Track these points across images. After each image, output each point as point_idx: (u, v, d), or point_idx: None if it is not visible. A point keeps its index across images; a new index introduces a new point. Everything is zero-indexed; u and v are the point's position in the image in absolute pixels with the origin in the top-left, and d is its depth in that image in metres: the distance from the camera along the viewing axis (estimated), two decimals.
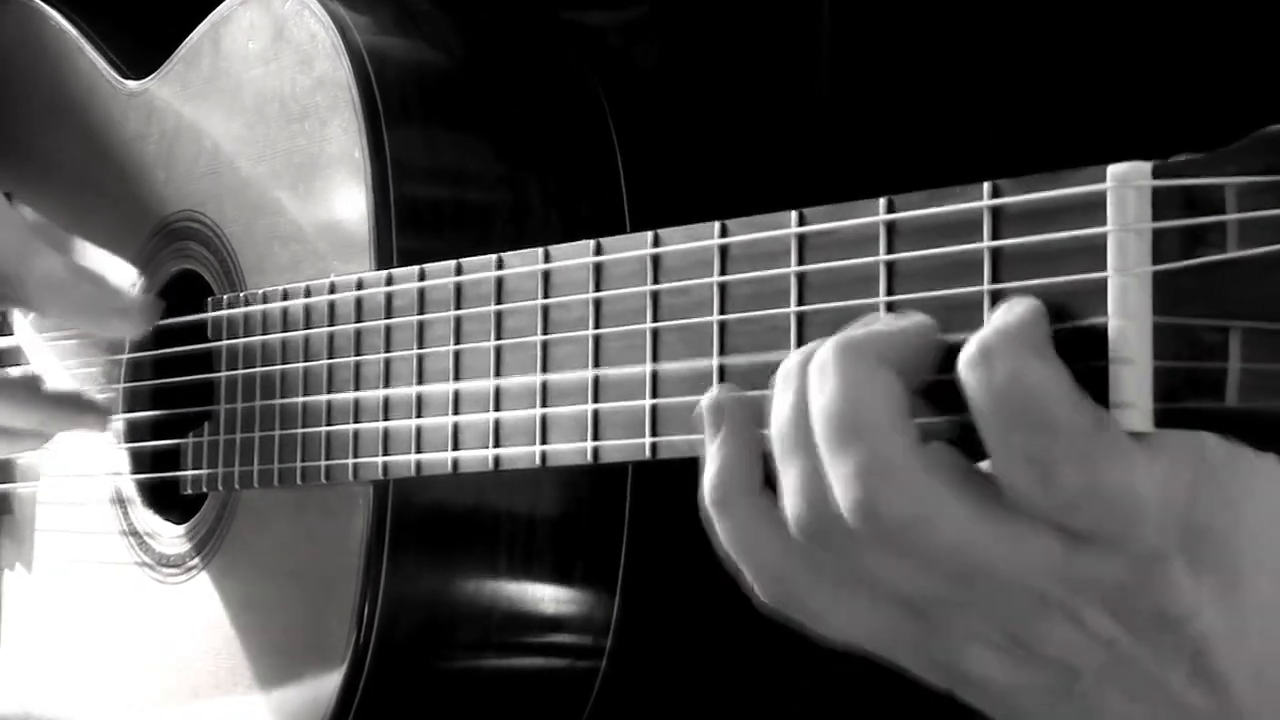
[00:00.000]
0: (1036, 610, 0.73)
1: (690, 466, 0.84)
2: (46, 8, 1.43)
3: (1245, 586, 0.73)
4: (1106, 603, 0.72)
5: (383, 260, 1.07)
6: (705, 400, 0.77)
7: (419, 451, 1.00)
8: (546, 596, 1.12)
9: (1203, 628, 0.73)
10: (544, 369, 0.92)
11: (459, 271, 0.98)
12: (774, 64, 1.09)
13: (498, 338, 0.95)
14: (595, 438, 0.89)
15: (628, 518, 1.13)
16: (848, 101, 1.06)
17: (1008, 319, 0.68)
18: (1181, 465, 0.70)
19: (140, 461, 1.29)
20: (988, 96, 1.01)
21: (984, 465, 0.73)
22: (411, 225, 1.08)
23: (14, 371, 1.39)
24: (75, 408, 1.30)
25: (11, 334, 1.42)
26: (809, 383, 0.72)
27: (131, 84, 1.33)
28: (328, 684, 1.10)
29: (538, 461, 0.92)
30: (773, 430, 0.74)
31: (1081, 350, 0.67)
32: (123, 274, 1.31)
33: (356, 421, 1.05)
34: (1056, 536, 0.71)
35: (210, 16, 1.24)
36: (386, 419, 1.02)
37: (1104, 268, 0.67)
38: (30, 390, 1.28)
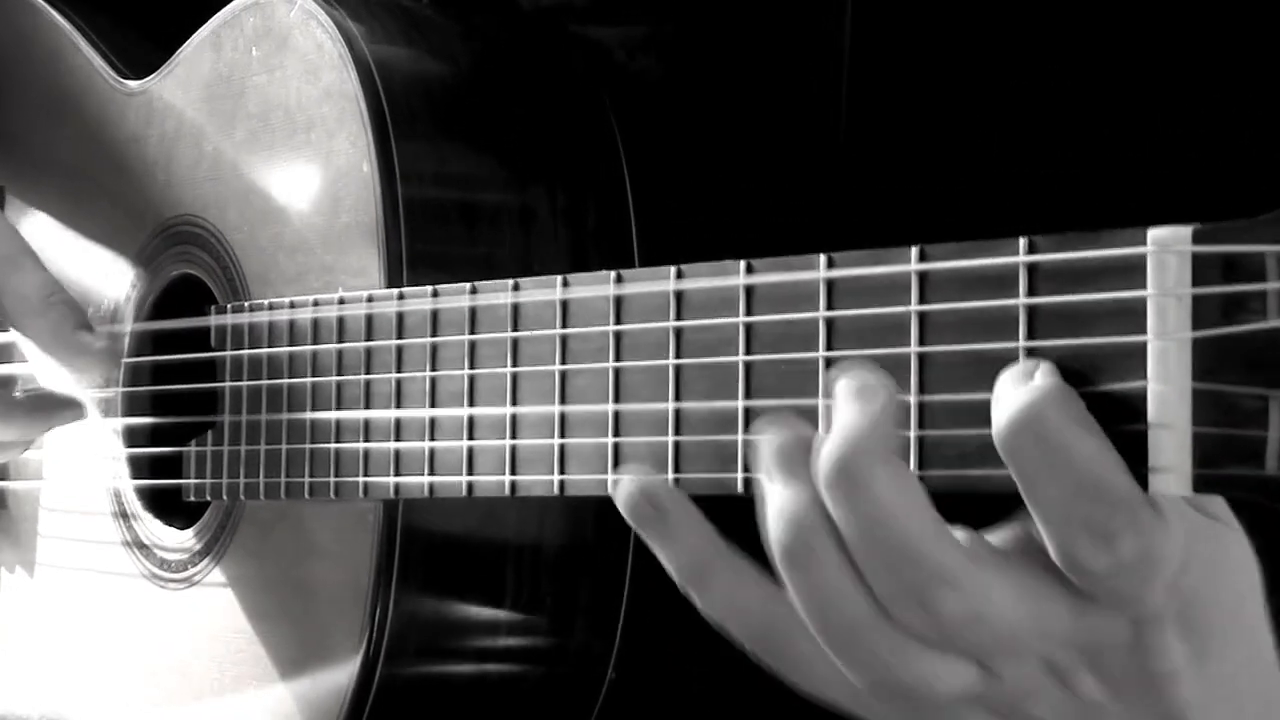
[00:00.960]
0: (1033, 675, 0.74)
1: None
2: (39, 2, 1.42)
3: (1219, 654, 0.74)
4: (1098, 664, 0.73)
5: (392, 273, 1.07)
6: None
7: (432, 474, 1.00)
8: (553, 604, 1.13)
9: (1183, 692, 0.74)
10: (563, 400, 0.92)
11: (473, 294, 0.98)
12: (788, 79, 1.09)
13: (514, 365, 0.95)
14: (616, 469, 0.89)
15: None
16: (864, 120, 1.05)
17: (1046, 389, 0.69)
18: (1181, 528, 0.71)
19: (141, 467, 1.29)
20: (1008, 117, 1.01)
21: (994, 538, 0.74)
22: (421, 238, 1.08)
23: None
24: (51, 407, 1.30)
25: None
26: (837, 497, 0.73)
27: (130, 83, 1.32)
28: (335, 694, 1.10)
29: (556, 490, 0.92)
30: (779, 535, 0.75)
31: (1120, 413, 0.68)
32: (118, 274, 1.31)
33: (367, 440, 1.05)
34: (1065, 599, 0.72)
35: (212, 20, 1.23)
36: (399, 439, 1.02)
37: (1142, 330, 0.67)
38: (3, 401, 1.27)
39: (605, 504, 1.12)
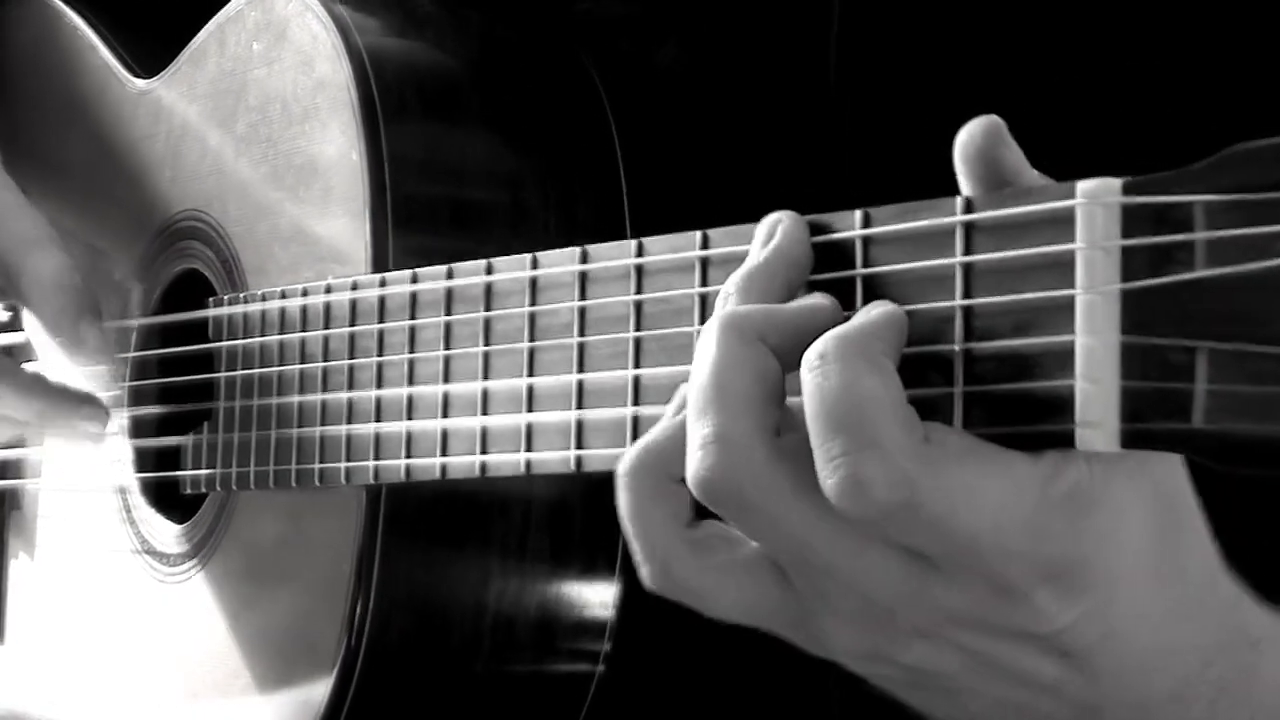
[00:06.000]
0: (889, 623, 0.73)
1: None
2: (62, 6, 1.44)
3: (1119, 595, 0.72)
4: (966, 623, 0.72)
5: (379, 263, 1.07)
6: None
7: (409, 456, 1.00)
8: (541, 600, 1.12)
9: (1072, 637, 0.72)
10: (530, 374, 0.92)
11: (450, 276, 0.98)
12: (779, 66, 1.09)
13: (486, 343, 0.95)
14: (579, 446, 0.89)
15: None
16: (854, 105, 1.05)
17: (851, 325, 0.69)
18: (1019, 495, 0.69)
19: (143, 460, 1.30)
20: (995, 88, 1.01)
21: None
22: (409, 227, 1.08)
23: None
24: (75, 401, 1.30)
25: (22, 330, 1.42)
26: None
27: (140, 83, 1.34)
28: (319, 687, 1.10)
29: (523, 469, 0.92)
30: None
31: (1049, 368, 0.67)
32: (128, 270, 1.32)
33: (350, 423, 1.05)
34: (905, 561, 0.71)
35: (217, 16, 1.24)
36: (379, 421, 1.02)
37: (1073, 284, 0.66)
38: (33, 380, 1.28)
39: (593, 498, 1.12)
